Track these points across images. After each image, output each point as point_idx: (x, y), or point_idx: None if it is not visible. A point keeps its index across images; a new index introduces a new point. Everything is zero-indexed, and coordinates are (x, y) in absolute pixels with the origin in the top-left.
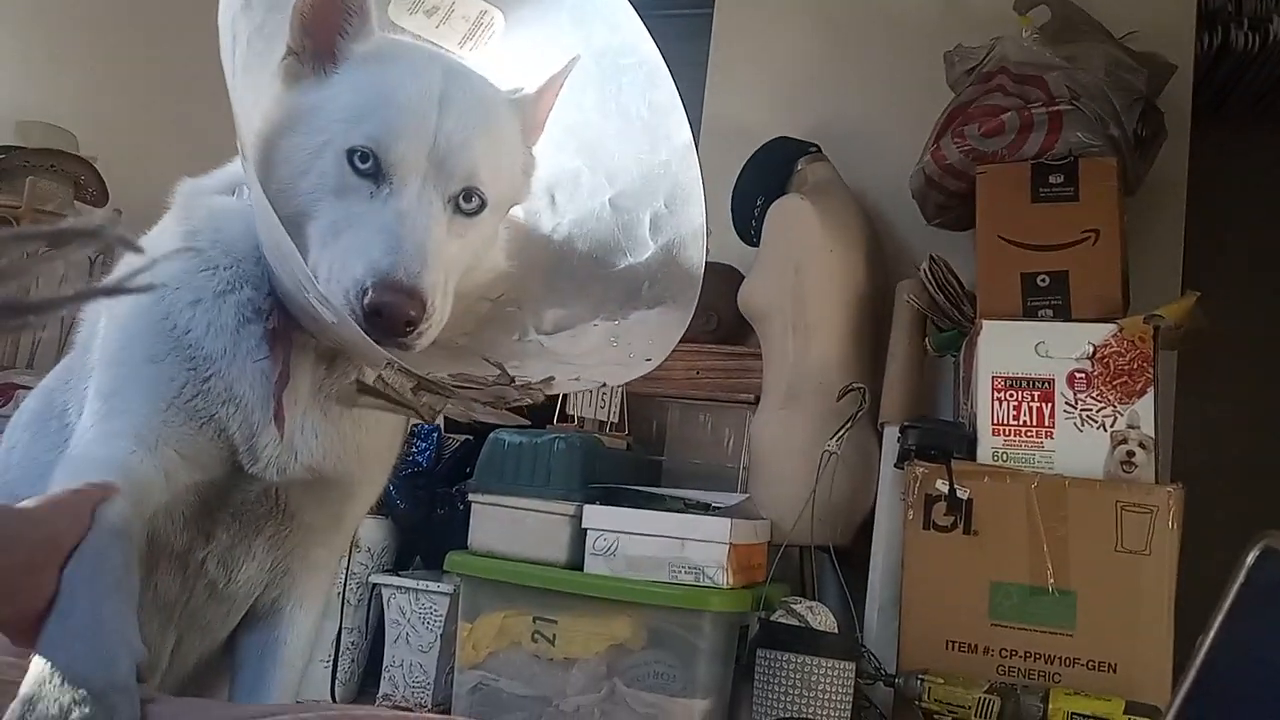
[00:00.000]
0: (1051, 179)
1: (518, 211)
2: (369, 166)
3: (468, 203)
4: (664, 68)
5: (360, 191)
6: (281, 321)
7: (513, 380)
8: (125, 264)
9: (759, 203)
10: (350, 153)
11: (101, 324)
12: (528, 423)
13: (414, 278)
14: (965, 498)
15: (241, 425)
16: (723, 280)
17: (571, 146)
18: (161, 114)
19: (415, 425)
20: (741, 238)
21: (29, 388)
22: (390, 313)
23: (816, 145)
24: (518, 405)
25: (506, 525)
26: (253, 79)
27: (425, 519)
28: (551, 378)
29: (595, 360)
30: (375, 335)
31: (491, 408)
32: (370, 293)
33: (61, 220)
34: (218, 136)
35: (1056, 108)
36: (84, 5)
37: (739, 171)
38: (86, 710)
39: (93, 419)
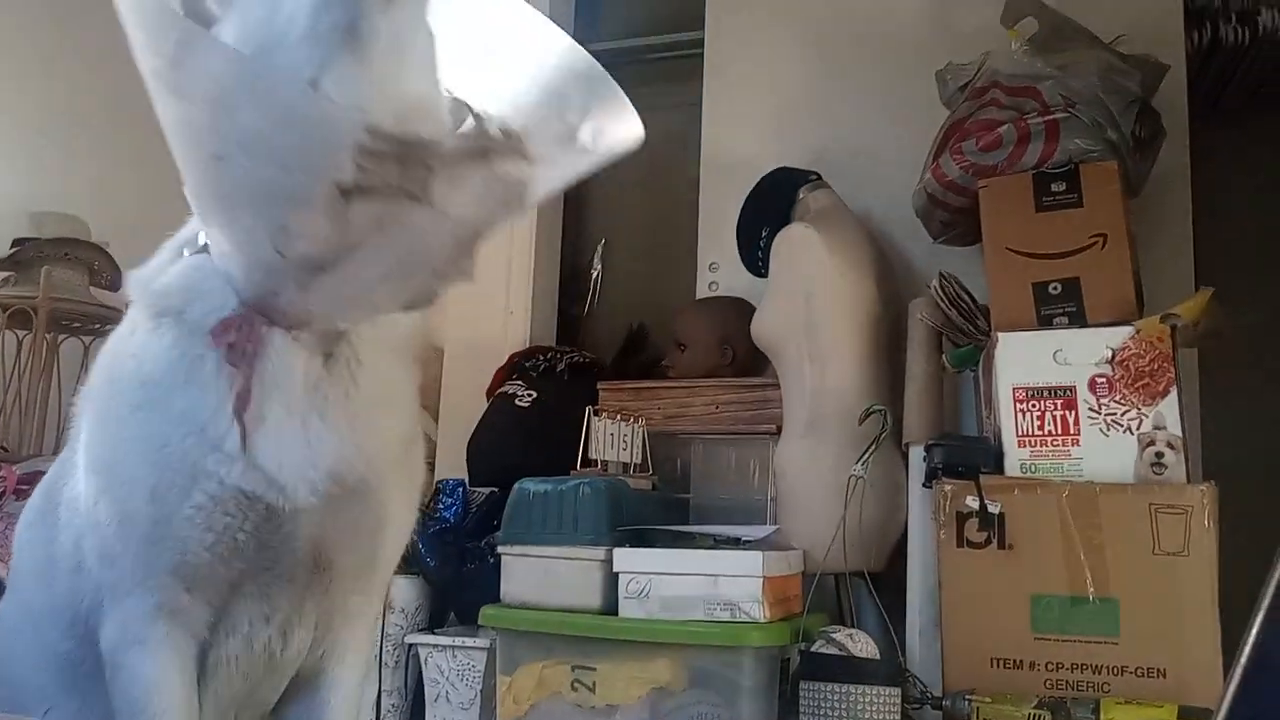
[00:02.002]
0: (1054, 187)
1: None
2: None
3: None
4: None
5: None
6: (244, 331)
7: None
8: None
9: (764, 234)
10: None
11: (84, 419)
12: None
13: None
14: (997, 512)
15: (243, 470)
16: (735, 313)
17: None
18: (170, 197)
19: (440, 482)
20: (749, 270)
21: None
22: None
23: (817, 173)
24: (515, 189)
25: (538, 575)
26: None
27: (456, 575)
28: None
29: None
30: None
31: (482, 167)
32: None
33: (78, 306)
34: None
35: (1052, 116)
36: (91, 95)
37: (742, 204)
38: None
39: (107, 592)
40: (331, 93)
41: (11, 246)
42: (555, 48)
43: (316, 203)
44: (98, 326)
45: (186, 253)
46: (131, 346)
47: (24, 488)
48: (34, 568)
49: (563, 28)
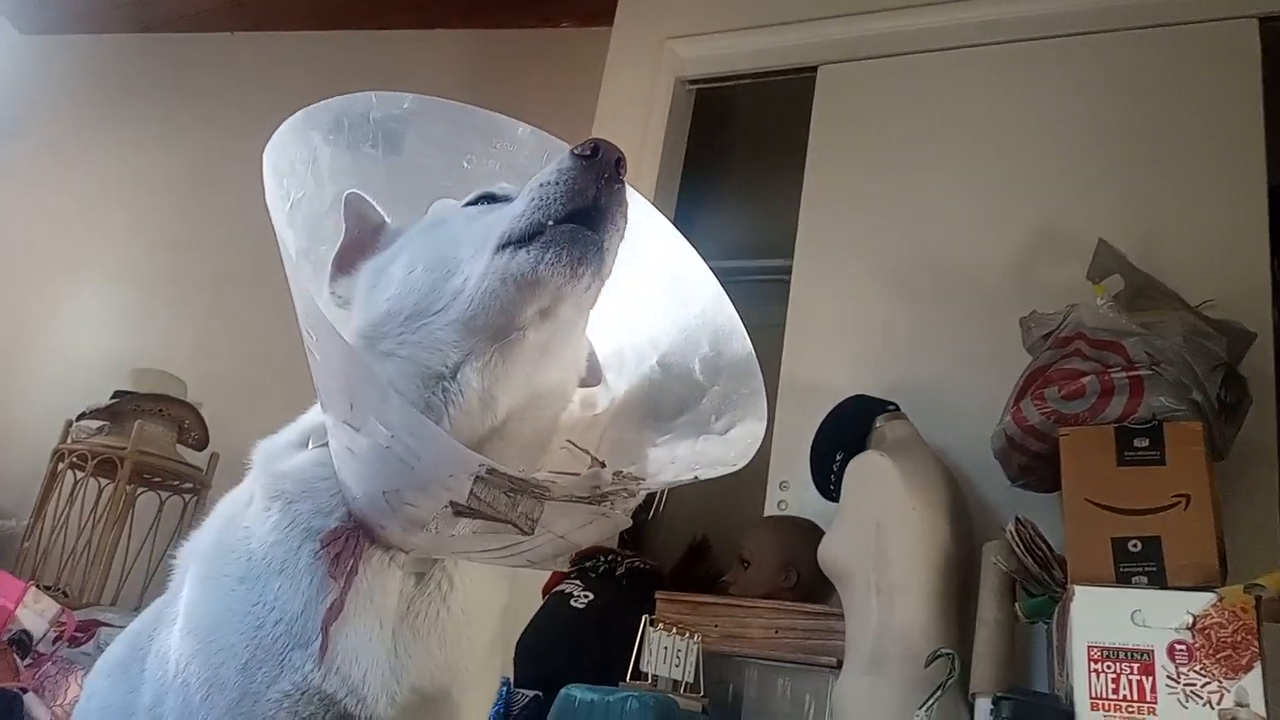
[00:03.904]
0: (1137, 443)
1: (574, 405)
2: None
3: None
4: (675, 231)
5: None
6: (349, 548)
7: (603, 463)
8: (217, 514)
9: (838, 458)
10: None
11: (189, 575)
12: (629, 521)
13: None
14: None
15: (324, 672)
16: (802, 535)
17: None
18: (266, 365)
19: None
20: (821, 493)
21: (112, 625)
22: (606, 147)
23: (895, 403)
24: (620, 517)
25: None
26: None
27: None
28: (645, 465)
29: (693, 454)
30: (588, 180)
31: (589, 503)
32: (577, 148)
33: (162, 461)
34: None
35: (1136, 373)
36: (199, 263)
37: (818, 426)
38: None
39: None
40: (470, 378)
41: (111, 398)
42: (706, 294)
43: (428, 505)
44: (176, 484)
45: (312, 443)
46: (247, 518)
47: (79, 635)
48: (107, 718)
49: None
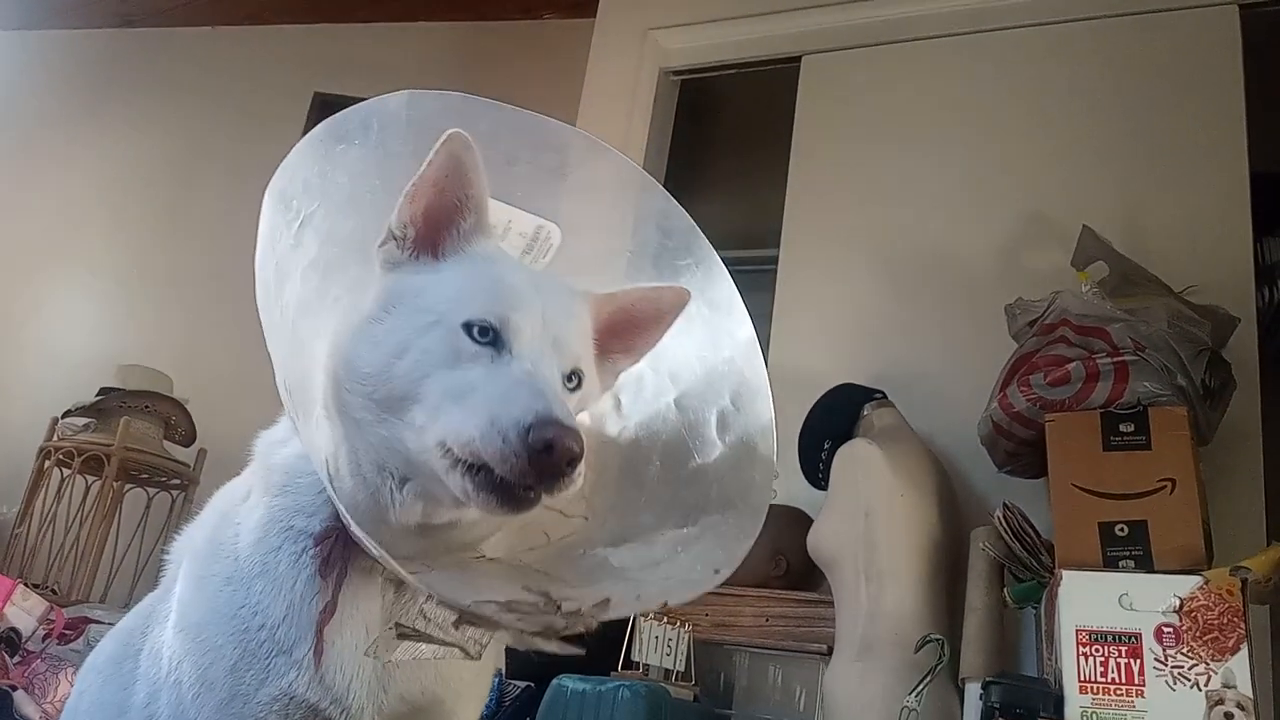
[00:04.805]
0: (1122, 428)
1: (584, 417)
2: (488, 339)
3: (570, 382)
4: (720, 264)
5: (480, 359)
6: (338, 550)
7: (559, 608)
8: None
9: (826, 446)
10: (468, 326)
11: (182, 571)
12: (580, 651)
13: (569, 417)
14: None
15: (309, 681)
16: (791, 524)
17: None
18: (252, 360)
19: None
20: (809, 481)
21: (101, 622)
22: (560, 445)
23: (882, 391)
24: (570, 635)
25: None
26: (312, 316)
27: None
28: (607, 600)
29: (659, 575)
30: (534, 477)
31: (541, 638)
32: (534, 430)
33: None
34: None
35: (1121, 358)
36: (187, 261)
37: (806, 415)
38: None
39: None
40: (413, 502)
41: (97, 395)
42: (739, 338)
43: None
44: (164, 480)
45: None
46: (240, 513)
47: (68, 632)
48: (97, 715)
49: None
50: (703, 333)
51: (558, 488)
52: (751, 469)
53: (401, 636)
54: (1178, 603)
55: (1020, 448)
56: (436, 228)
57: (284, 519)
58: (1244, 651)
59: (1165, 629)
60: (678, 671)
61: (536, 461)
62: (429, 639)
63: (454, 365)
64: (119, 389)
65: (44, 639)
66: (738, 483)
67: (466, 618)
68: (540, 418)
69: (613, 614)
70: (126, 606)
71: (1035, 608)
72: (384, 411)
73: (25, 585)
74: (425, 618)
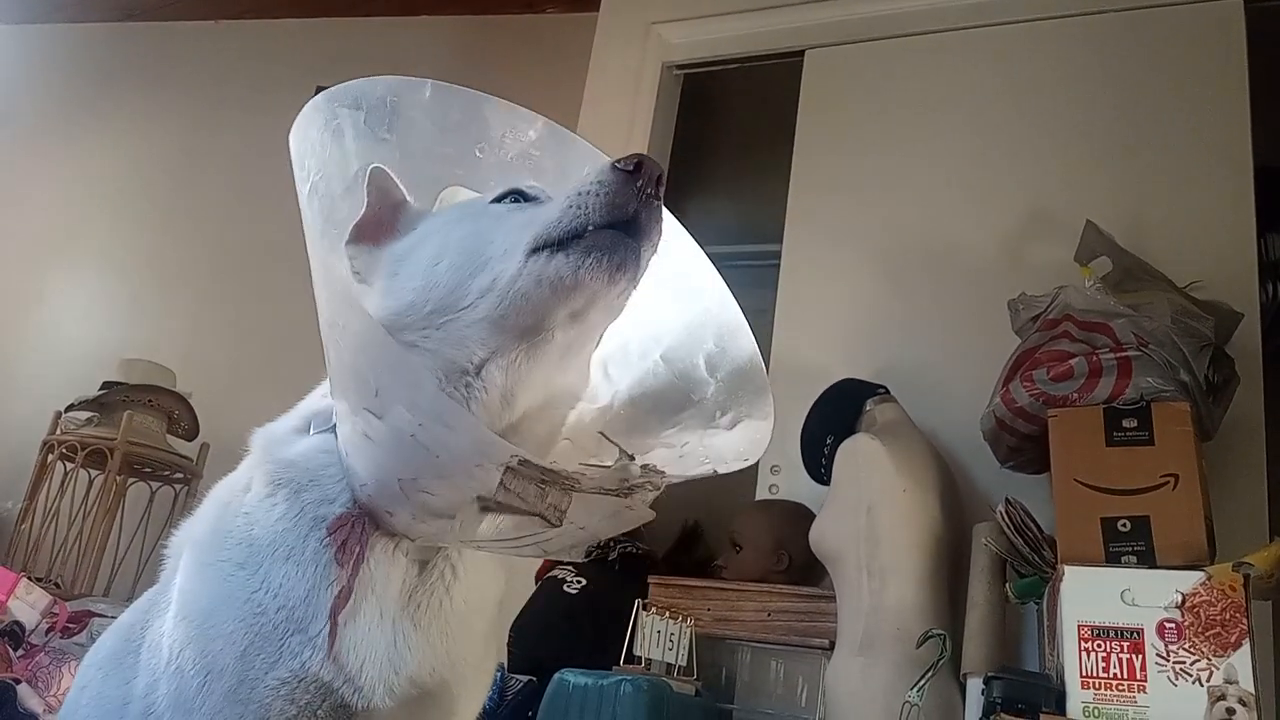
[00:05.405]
0: (1125, 423)
1: (582, 407)
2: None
3: None
4: (681, 229)
5: (517, 209)
6: (354, 535)
7: (632, 457)
8: (212, 500)
9: (828, 442)
10: (497, 200)
11: (183, 561)
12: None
13: None
14: None
15: (322, 658)
16: (793, 518)
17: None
18: (255, 354)
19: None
20: (812, 476)
21: (104, 616)
22: (646, 160)
23: (885, 387)
24: (643, 510)
25: None
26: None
27: None
28: (662, 472)
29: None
30: (628, 195)
31: (616, 497)
32: (618, 163)
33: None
34: (306, 380)
35: (1125, 354)
36: (189, 255)
37: (808, 410)
38: None
39: None
40: (495, 376)
41: (100, 388)
42: (712, 292)
43: (457, 499)
44: (167, 474)
45: (313, 429)
46: (245, 504)
47: (72, 626)
48: (98, 710)
49: None
50: (673, 296)
51: (655, 206)
52: (749, 389)
53: (484, 510)
54: (1180, 598)
55: (1023, 443)
56: (381, 235)
57: (312, 509)
58: (1246, 647)
59: (1167, 624)
60: (679, 666)
61: (631, 182)
62: (511, 509)
63: (500, 221)
64: (122, 383)
65: (47, 632)
66: (740, 403)
67: (549, 478)
68: (614, 162)
69: (671, 475)
70: (130, 600)
71: (1037, 603)
72: (442, 315)
73: (29, 579)
74: (506, 488)
